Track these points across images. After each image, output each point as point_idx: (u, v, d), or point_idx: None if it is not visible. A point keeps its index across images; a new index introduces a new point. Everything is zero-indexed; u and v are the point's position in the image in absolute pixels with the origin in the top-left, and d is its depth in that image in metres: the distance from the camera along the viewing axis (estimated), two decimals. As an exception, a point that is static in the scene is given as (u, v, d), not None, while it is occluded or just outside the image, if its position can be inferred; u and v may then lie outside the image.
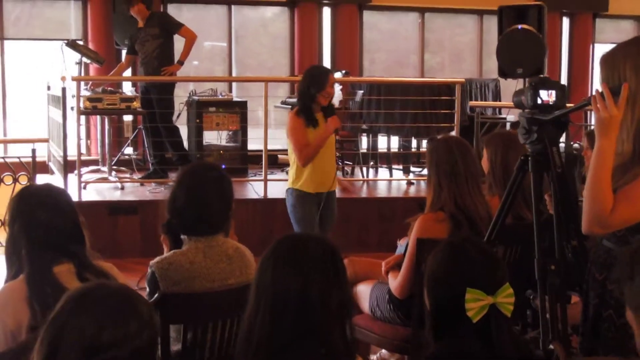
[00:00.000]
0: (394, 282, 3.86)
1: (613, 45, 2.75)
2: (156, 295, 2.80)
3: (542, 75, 2.91)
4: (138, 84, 8.71)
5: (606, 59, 2.67)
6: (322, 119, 5.31)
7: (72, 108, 7.81)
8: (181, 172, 3.06)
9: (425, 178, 8.72)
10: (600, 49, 12.23)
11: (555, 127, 2.87)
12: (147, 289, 2.91)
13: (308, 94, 5.26)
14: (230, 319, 2.90)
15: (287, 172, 8.90)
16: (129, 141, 9.36)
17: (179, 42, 8.24)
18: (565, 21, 11.93)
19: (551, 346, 2.53)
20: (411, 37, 11.63)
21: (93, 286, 1.71)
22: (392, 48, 11.66)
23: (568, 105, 2.99)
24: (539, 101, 2.88)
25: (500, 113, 9.91)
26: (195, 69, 10.68)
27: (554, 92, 2.87)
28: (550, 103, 2.87)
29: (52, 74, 9.15)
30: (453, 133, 8.38)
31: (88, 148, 9.87)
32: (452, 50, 11.96)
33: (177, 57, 8.22)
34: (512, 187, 3.03)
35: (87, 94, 8.07)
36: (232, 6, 10.72)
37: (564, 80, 11.92)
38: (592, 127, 7.50)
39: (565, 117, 2.87)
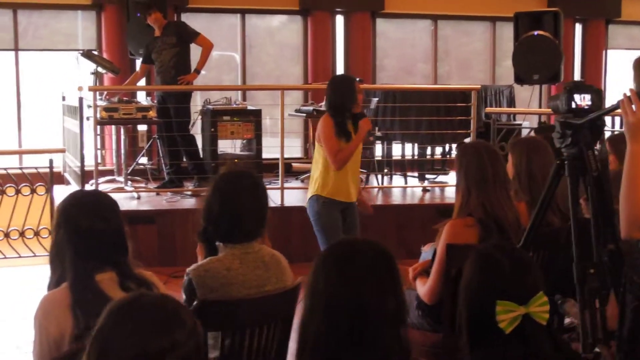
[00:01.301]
0: (423, 288, 3.85)
1: (625, 51, 2.74)
2: (194, 302, 2.80)
3: (577, 80, 2.89)
4: (154, 93, 8.72)
5: None
6: (352, 130, 5.34)
7: (87, 118, 7.83)
8: (215, 179, 3.06)
9: (441, 185, 8.80)
10: (612, 55, 12.23)
11: (591, 131, 2.86)
12: (184, 296, 2.91)
13: (343, 108, 5.28)
14: (268, 326, 2.90)
15: (302, 181, 8.96)
16: (144, 150, 9.37)
17: (195, 50, 8.25)
18: (578, 27, 11.92)
19: (596, 349, 2.51)
20: (424, 44, 11.63)
21: (135, 297, 1.69)
22: (404, 55, 11.66)
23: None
24: (573, 105, 2.87)
25: (514, 119, 9.91)
26: (202, 77, 10.65)
27: (588, 96, 2.86)
28: (585, 107, 2.86)
29: (67, 85, 9.19)
30: (468, 140, 8.38)
31: (103, 158, 9.88)
32: (464, 57, 11.95)
33: (193, 66, 8.24)
34: (548, 192, 3.01)
35: (103, 103, 8.09)
36: (245, 15, 10.73)
37: (576, 86, 11.90)
38: (614, 132, 7.50)
39: (600, 120, 2.87)
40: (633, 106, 2.52)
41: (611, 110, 2.83)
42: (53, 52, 10.34)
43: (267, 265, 2.99)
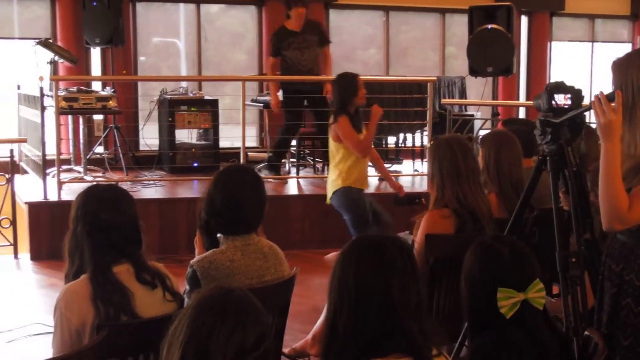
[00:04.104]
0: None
1: (569, 43, 2.93)
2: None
3: (558, 80, 3.08)
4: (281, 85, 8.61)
5: (620, 65, 2.84)
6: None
7: (44, 108, 7.79)
8: (217, 174, 3.17)
9: (395, 174, 9.00)
10: (557, 47, 12.61)
11: (570, 129, 3.05)
12: (187, 287, 3.02)
13: (352, 104, 5.70)
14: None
15: (259, 170, 9.05)
16: (101, 140, 9.36)
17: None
18: (524, 19, 12.24)
19: (586, 333, 2.71)
20: (376, 35, 11.79)
21: (225, 292, 1.78)
22: (358, 46, 11.81)
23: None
24: (554, 104, 3.06)
25: (466, 110, 10.16)
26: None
27: (568, 96, 3.05)
28: (565, 106, 3.05)
29: (22, 74, 9.11)
30: (426, 130, 8.62)
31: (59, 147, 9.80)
32: (415, 47, 12.16)
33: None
34: (531, 185, 3.21)
35: (62, 93, 8.06)
36: (201, 5, 10.73)
37: (523, 77, 12.23)
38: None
39: (579, 118, 3.06)
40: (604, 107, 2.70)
41: (586, 110, 3.03)
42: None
43: (266, 256, 3.13)
